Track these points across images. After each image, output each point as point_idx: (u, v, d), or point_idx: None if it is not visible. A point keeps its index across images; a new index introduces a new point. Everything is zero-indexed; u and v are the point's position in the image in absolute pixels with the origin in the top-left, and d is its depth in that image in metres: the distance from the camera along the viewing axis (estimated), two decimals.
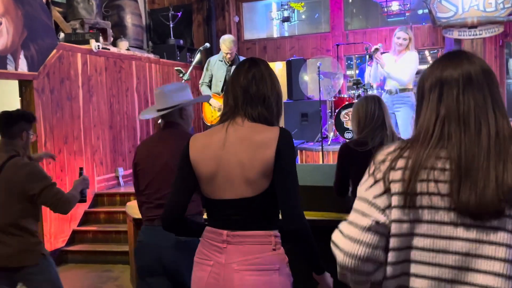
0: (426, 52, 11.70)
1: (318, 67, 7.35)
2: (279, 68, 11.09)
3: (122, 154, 7.15)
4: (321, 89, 7.38)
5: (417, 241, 1.28)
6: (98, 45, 6.57)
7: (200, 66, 7.83)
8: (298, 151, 7.97)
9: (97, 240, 6.13)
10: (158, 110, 2.75)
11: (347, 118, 7.64)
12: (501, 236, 1.21)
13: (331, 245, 1.37)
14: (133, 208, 4.75)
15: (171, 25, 9.08)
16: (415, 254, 1.28)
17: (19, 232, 2.97)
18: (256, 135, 1.87)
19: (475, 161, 1.23)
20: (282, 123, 9.17)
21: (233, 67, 5.71)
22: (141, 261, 2.68)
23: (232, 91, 1.98)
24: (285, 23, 10.18)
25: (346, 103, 7.65)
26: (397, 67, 5.66)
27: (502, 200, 1.19)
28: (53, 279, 3.08)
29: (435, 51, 9.90)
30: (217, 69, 5.76)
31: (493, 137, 1.25)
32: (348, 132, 7.60)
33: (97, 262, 5.77)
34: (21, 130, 3.03)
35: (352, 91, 7.82)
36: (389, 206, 1.30)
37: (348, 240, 1.32)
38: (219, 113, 5.80)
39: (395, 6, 9.50)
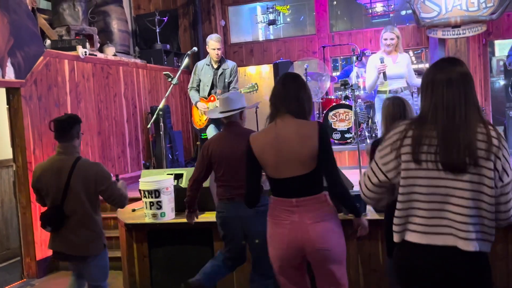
0: (411, 52, 11.83)
1: (305, 69, 7.40)
2: (266, 71, 11.13)
3: (111, 159, 7.13)
4: None
5: (418, 189, 2.04)
6: (85, 51, 6.56)
7: (188, 70, 7.84)
8: None
9: None
10: (222, 112, 3.55)
11: (335, 119, 7.70)
12: (462, 184, 1.97)
13: (359, 183, 2.28)
14: (124, 213, 4.75)
15: (158, 30, 9.08)
16: (416, 195, 2.05)
17: (89, 224, 3.42)
18: (301, 129, 2.65)
19: (450, 134, 1.97)
20: None
21: (220, 70, 5.73)
22: (227, 230, 3.53)
23: (275, 96, 2.76)
24: (271, 26, 10.23)
25: (334, 104, 7.72)
26: (395, 69, 5.73)
27: (465, 163, 1.94)
28: (107, 267, 3.66)
29: (419, 51, 10.01)
30: (204, 73, 5.78)
31: (463, 119, 1.97)
32: (336, 133, 7.65)
33: None
34: (77, 132, 3.44)
35: (340, 92, 7.89)
36: (394, 169, 2.11)
37: (364, 187, 2.24)
38: (206, 116, 5.81)
39: (379, 8, 9.60)
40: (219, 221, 3.57)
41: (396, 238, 2.13)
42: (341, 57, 10.20)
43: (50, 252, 3.89)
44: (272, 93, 2.78)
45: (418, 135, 2.02)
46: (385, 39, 5.71)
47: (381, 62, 5.62)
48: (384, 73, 5.61)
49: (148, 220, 4.33)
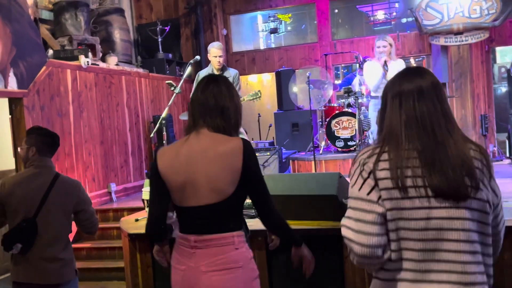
0: (412, 60, 11.82)
1: (308, 77, 7.39)
2: (267, 79, 11.14)
3: (114, 169, 7.11)
4: (311, 98, 7.41)
5: (404, 223, 1.62)
6: (88, 61, 6.56)
7: (191, 79, 7.84)
8: (290, 161, 7.98)
9: (92, 257, 6.07)
10: None
11: (338, 127, 7.67)
12: (463, 212, 1.59)
13: (345, 240, 1.70)
14: (128, 223, 4.71)
15: (160, 40, 9.09)
16: (403, 233, 1.62)
17: (62, 246, 3.11)
18: (220, 146, 2.08)
19: (436, 155, 1.61)
20: (273, 134, 9.21)
21: None
22: None
23: (193, 105, 2.20)
24: (273, 35, 10.25)
25: (336, 112, 7.69)
26: (387, 75, 5.80)
27: (466, 186, 1.59)
28: None
29: (420, 58, 10.01)
30: None
31: (446, 135, 1.63)
32: (339, 141, 7.62)
33: (92, 279, 5.71)
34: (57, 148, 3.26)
35: (342, 100, 7.87)
36: (379, 199, 1.64)
37: (361, 234, 1.64)
38: None
39: (380, 15, 9.61)
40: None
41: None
42: (343, 65, 10.20)
43: None
44: (191, 99, 2.24)
45: (396, 156, 1.63)
46: (378, 47, 5.90)
47: (386, 69, 5.80)
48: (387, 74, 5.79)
49: None
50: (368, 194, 1.65)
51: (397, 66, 5.91)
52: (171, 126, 7.98)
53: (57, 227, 3.09)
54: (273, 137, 9.19)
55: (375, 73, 5.96)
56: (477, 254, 1.60)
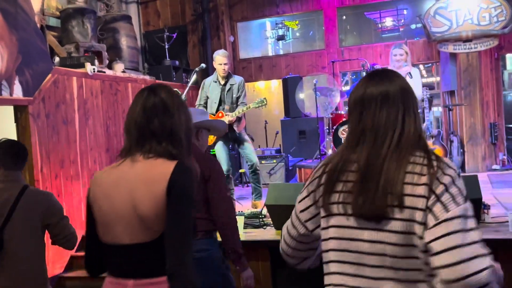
0: (421, 66, 11.73)
1: (315, 84, 7.34)
2: (275, 85, 11.10)
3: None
4: (318, 106, 7.36)
5: (331, 243, 1.53)
6: (94, 68, 6.55)
7: (197, 86, 7.82)
8: (297, 169, 7.92)
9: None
10: None
11: (345, 135, 7.60)
12: (386, 236, 1.42)
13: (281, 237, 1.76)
14: None
15: (166, 46, 9.08)
16: (329, 254, 1.55)
17: (33, 264, 2.90)
18: (151, 170, 1.70)
19: (372, 168, 1.46)
20: (280, 141, 9.16)
21: (227, 86, 5.68)
22: None
23: (130, 125, 1.79)
24: (280, 41, 10.22)
25: (344, 119, 7.63)
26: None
27: (389, 205, 1.41)
28: None
29: (430, 64, 9.94)
30: (212, 90, 5.74)
31: (392, 147, 1.47)
32: None
33: None
34: (26, 161, 3.02)
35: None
36: (313, 217, 1.61)
37: (283, 240, 1.73)
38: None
39: (388, 22, 9.56)
40: None
41: None
42: (351, 72, 10.13)
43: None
44: (126, 116, 1.84)
45: (333, 169, 1.53)
46: (395, 55, 5.93)
47: (410, 78, 5.78)
48: None
49: None
50: (301, 211, 1.64)
51: (414, 74, 5.98)
52: None
53: (25, 242, 2.86)
54: (279, 144, 9.14)
55: None
56: (405, 282, 1.41)
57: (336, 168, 1.53)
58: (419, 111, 1.57)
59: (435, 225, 1.37)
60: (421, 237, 1.39)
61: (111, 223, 1.72)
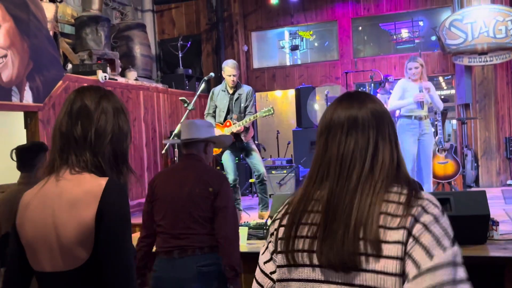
0: (440, 78, 11.59)
1: (326, 95, 7.29)
2: (291, 94, 11.06)
3: (129, 184, 7.08)
4: None
5: None
6: (105, 76, 6.60)
7: (206, 95, 7.83)
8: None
9: None
10: (184, 139, 2.86)
11: None
12: None
13: None
14: (136, 240, 4.66)
15: (180, 55, 9.12)
16: None
17: None
18: (76, 189, 1.46)
19: (338, 208, 1.24)
20: (291, 151, 9.11)
21: (235, 95, 5.66)
22: None
23: (54, 132, 1.56)
24: (294, 51, 10.20)
25: None
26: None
27: (361, 253, 1.19)
28: None
29: (449, 76, 9.81)
30: (220, 99, 5.72)
31: (362, 180, 1.25)
32: None
33: None
34: (40, 161, 3.12)
35: None
36: (273, 272, 1.37)
37: None
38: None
39: (404, 34, 9.48)
40: (152, 283, 2.75)
41: None
42: (366, 83, 10.06)
43: None
44: (54, 126, 1.60)
45: (295, 209, 1.32)
46: (410, 69, 5.79)
47: (420, 91, 5.64)
48: (422, 102, 5.66)
49: None
50: (265, 263, 1.41)
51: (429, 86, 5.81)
52: None
53: None
54: (291, 155, 9.09)
55: (402, 95, 5.79)
56: None
57: (298, 208, 1.32)
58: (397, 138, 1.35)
59: (416, 275, 1.14)
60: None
61: (36, 250, 1.50)
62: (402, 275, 1.17)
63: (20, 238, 1.54)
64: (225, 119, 5.68)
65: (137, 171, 7.31)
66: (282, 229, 1.34)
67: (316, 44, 11.06)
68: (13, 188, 3.13)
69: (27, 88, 5.35)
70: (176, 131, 5.52)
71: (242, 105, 5.66)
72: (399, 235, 1.18)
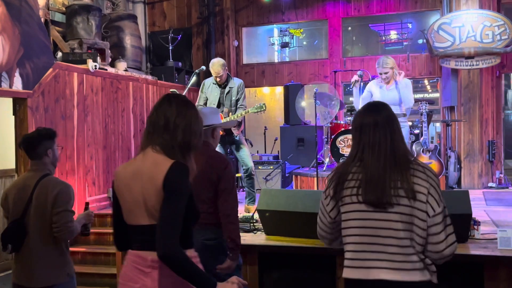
0: (426, 81, 11.75)
1: (315, 93, 7.35)
2: (279, 91, 11.12)
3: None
4: (317, 114, 7.37)
5: (351, 223, 2.18)
6: (95, 65, 6.58)
7: (197, 88, 7.85)
8: (293, 176, 7.93)
9: (86, 261, 6.03)
10: None
11: (343, 145, 7.61)
12: (392, 216, 2.09)
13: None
14: None
15: (171, 48, 9.12)
16: (350, 229, 2.19)
17: (51, 248, 3.08)
18: (153, 167, 2.05)
19: (375, 173, 2.13)
20: (278, 147, 9.17)
21: (227, 88, 5.70)
22: None
23: (147, 123, 2.19)
24: (284, 49, 10.25)
25: (342, 129, 7.64)
26: (388, 96, 5.66)
27: (393, 196, 2.08)
28: None
29: (435, 80, 9.95)
30: (211, 91, 5.75)
31: (388, 157, 2.14)
32: (343, 159, 7.56)
33: (84, 284, 5.66)
34: (46, 149, 3.15)
35: (349, 118, 7.82)
36: (333, 208, 2.25)
37: (318, 227, 2.38)
38: None
39: (393, 35, 9.59)
40: None
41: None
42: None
43: None
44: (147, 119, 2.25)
45: (343, 173, 2.19)
46: (380, 74, 5.74)
47: (358, 76, 6.01)
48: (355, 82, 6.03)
49: None
50: (327, 204, 2.28)
51: (402, 83, 5.73)
52: None
53: (44, 228, 3.06)
54: (278, 151, 9.15)
55: (364, 95, 5.91)
56: (407, 247, 2.07)
57: (345, 170, 2.20)
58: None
59: (434, 215, 2.08)
60: (422, 220, 2.06)
61: (132, 208, 2.09)
62: (426, 212, 2.08)
63: (118, 200, 2.15)
64: None
65: (124, 162, 7.30)
66: (335, 182, 2.21)
67: (305, 42, 11.13)
68: (24, 175, 3.25)
69: (17, 74, 5.33)
70: None
71: (233, 98, 5.69)
72: (424, 189, 2.09)
